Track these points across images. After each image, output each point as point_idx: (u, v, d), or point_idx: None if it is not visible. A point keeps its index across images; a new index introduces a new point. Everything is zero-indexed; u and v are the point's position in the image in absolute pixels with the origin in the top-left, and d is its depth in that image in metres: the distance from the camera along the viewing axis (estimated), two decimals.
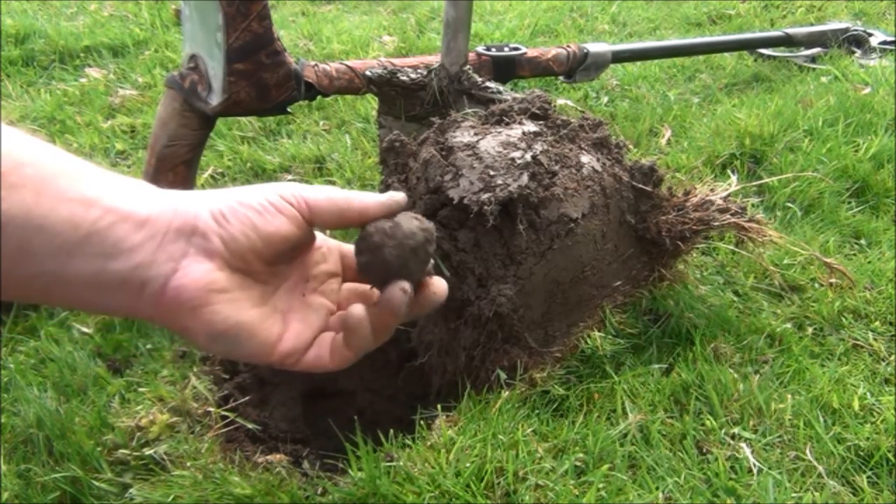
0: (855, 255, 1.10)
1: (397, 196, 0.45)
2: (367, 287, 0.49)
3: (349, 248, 0.50)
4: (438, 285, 0.47)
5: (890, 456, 0.73)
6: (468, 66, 1.08)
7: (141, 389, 0.83)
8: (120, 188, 0.37)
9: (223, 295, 0.39)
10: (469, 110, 0.96)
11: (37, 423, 0.78)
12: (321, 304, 0.47)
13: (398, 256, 0.42)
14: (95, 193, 0.36)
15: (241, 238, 0.40)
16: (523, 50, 1.37)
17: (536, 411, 0.77)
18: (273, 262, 0.43)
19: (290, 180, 1.37)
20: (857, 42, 1.95)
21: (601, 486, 0.68)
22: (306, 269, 0.48)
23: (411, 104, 1.10)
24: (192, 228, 0.39)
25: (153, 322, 0.40)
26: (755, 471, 0.70)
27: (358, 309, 0.43)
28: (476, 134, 0.82)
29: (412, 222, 0.44)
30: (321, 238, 0.49)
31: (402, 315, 0.43)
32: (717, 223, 0.85)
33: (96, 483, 0.72)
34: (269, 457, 0.77)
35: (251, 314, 0.41)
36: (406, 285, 0.42)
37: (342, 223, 0.44)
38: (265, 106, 1.11)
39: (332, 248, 0.50)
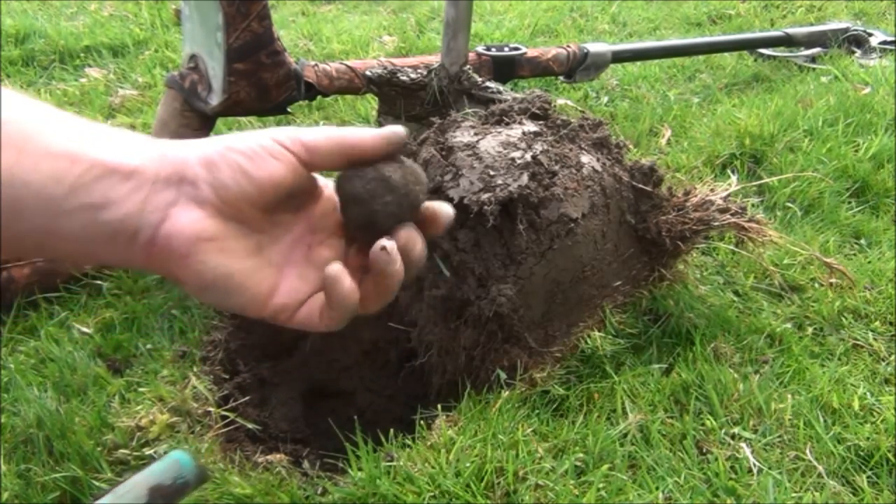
0: (855, 255, 1.10)
1: (399, 131, 0.41)
2: None
3: None
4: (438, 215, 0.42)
5: (890, 456, 0.73)
6: (468, 66, 1.08)
7: (141, 389, 0.83)
8: (105, 140, 0.37)
9: (213, 244, 0.38)
10: (469, 110, 0.96)
11: (37, 423, 0.78)
12: (325, 258, 0.43)
13: (385, 213, 0.40)
14: (80, 147, 0.35)
15: (232, 185, 0.38)
16: (523, 50, 1.37)
17: (536, 411, 0.77)
18: (271, 210, 0.41)
19: None
20: (857, 42, 1.95)
21: (601, 486, 0.68)
22: (313, 219, 0.44)
23: (411, 104, 1.10)
24: (180, 177, 0.38)
25: (148, 270, 0.39)
26: (755, 471, 0.70)
27: (333, 268, 0.39)
28: (476, 134, 0.82)
29: (399, 171, 0.40)
30: (328, 187, 0.45)
31: (391, 275, 0.40)
32: (717, 223, 0.85)
33: (96, 483, 0.72)
34: (269, 457, 0.77)
35: (243, 265, 0.39)
36: (387, 243, 0.39)
37: (345, 163, 0.41)
38: (265, 106, 1.11)
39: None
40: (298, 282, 0.42)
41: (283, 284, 0.41)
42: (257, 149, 0.39)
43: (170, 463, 0.58)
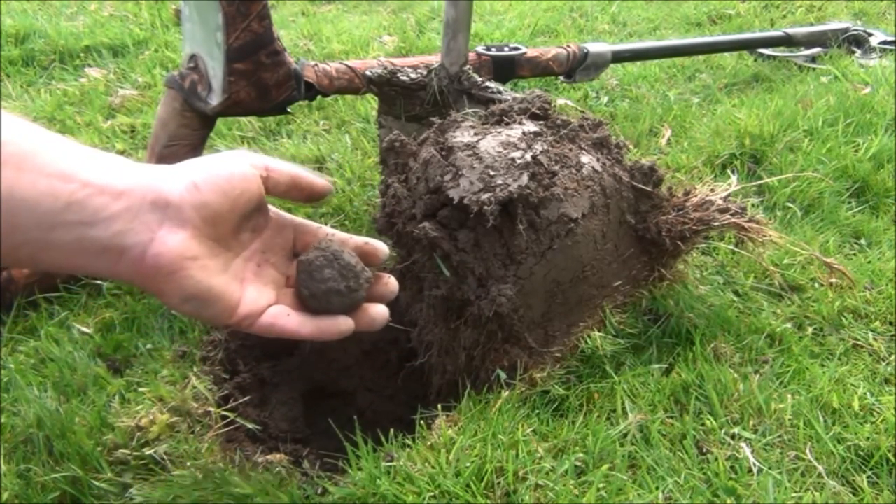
0: (855, 255, 1.10)
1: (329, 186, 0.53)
2: None
3: (303, 222, 0.55)
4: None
5: (890, 456, 0.73)
6: (468, 66, 1.08)
7: (141, 389, 0.83)
8: (96, 163, 0.41)
9: (195, 262, 0.43)
10: (469, 110, 0.96)
11: (37, 423, 0.78)
12: (272, 276, 0.51)
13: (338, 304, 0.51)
14: (73, 169, 0.39)
15: (213, 203, 0.44)
16: (523, 50, 1.37)
17: (536, 411, 0.77)
18: (237, 228, 0.48)
19: None
20: (857, 42, 1.95)
21: (601, 486, 0.68)
22: (265, 240, 0.52)
23: (411, 104, 1.10)
24: (165, 202, 0.42)
25: (132, 284, 0.45)
26: (755, 471, 0.70)
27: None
28: (476, 134, 0.82)
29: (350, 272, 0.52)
30: (276, 212, 0.53)
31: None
32: (717, 223, 0.85)
33: (96, 483, 0.72)
34: (269, 457, 0.77)
35: (219, 280, 0.45)
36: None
37: (290, 195, 0.51)
38: (265, 106, 1.11)
39: (286, 222, 0.53)
40: (256, 294, 0.49)
41: (245, 296, 0.48)
42: (235, 172, 0.46)
43: None
